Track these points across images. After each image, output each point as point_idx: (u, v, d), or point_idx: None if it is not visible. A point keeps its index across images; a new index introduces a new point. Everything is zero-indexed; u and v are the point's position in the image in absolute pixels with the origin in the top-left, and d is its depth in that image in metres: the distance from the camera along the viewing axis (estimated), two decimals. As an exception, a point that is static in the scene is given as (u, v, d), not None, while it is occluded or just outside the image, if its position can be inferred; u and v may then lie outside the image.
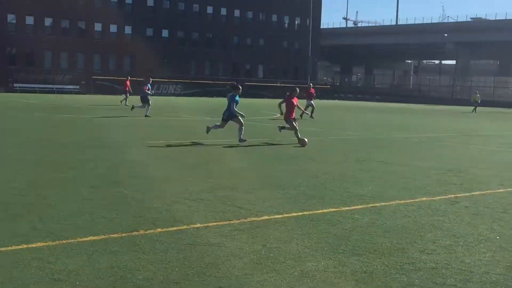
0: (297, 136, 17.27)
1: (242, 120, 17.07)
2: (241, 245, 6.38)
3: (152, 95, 29.65)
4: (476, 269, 5.83)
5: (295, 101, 18.11)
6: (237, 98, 17.22)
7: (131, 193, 9.07)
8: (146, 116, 27.56)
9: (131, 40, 77.56)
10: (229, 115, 17.17)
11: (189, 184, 10.00)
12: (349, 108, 54.16)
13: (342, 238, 6.85)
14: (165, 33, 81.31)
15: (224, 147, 16.45)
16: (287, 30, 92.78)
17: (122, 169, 11.62)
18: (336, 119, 33.84)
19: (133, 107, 29.14)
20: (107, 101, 45.92)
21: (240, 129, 17.02)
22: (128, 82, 41.52)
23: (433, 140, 20.59)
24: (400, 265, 5.87)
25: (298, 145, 16.95)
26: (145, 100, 28.47)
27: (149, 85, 28.98)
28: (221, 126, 17.52)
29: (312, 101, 31.54)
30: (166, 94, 70.12)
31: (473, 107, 53.44)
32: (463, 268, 5.85)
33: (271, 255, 6.07)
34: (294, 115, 18.00)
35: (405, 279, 5.46)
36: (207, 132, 17.48)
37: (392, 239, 6.87)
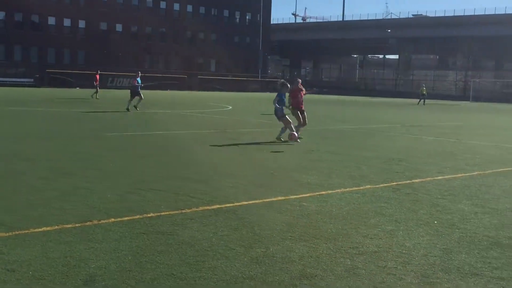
0: (289, 129, 16.57)
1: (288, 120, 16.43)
2: (193, 233, 6.58)
3: (142, 88, 29.36)
4: (416, 252, 6.18)
5: (302, 92, 17.75)
6: (283, 97, 16.64)
7: (84, 184, 9.15)
8: (134, 107, 27.99)
9: (85, 34, 76.86)
10: (278, 112, 16.60)
11: (142, 175, 10.14)
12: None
13: (290, 225, 7.12)
14: (119, 27, 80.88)
15: (177, 137, 16.55)
16: (239, 25, 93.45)
17: (76, 160, 11.64)
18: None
19: (136, 107, 28.55)
20: (61, 94, 45.16)
21: (284, 130, 16.47)
22: (97, 76, 41.40)
23: (377, 131, 21.18)
24: (344, 250, 6.17)
25: (249, 136, 17.18)
26: (135, 94, 28.44)
27: (138, 79, 28.81)
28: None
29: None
30: (121, 87, 69.38)
31: (419, 100, 54.81)
32: (404, 251, 6.19)
33: (222, 242, 6.29)
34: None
35: (349, 262, 5.75)
36: (278, 139, 16.35)
37: (337, 225, 7.19)
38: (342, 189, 9.52)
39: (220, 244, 6.20)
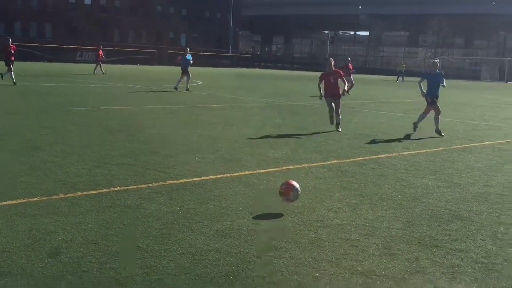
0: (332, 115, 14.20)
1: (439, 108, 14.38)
2: (159, 207, 6.62)
3: (191, 65, 26.98)
4: (379, 224, 6.32)
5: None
6: (438, 75, 14.29)
7: (51, 158, 9.09)
8: (187, 89, 25.91)
9: (53, 7, 75.27)
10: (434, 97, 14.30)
11: (110, 149, 10.10)
12: (269, 76, 54.73)
13: (257, 199, 7.20)
14: (87, 0, 79.34)
15: (146, 112, 16.47)
16: (210, 0, 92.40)
17: (43, 135, 11.53)
18: (255, 87, 34.22)
19: (187, 89, 26.23)
20: (28, 68, 44.30)
21: (437, 118, 14.35)
22: (100, 52, 40.34)
23: (347, 107, 21.32)
24: (309, 223, 6.27)
25: (233, 111, 17.15)
26: (185, 72, 26.42)
27: (186, 56, 26.75)
28: (425, 112, 14.57)
29: (351, 77, 28.94)
30: (89, 62, 68.42)
31: (397, 77, 55.15)
32: (367, 224, 6.32)
33: (188, 215, 6.34)
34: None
35: (313, 235, 5.85)
36: (415, 130, 14.39)
37: (303, 199, 7.28)
38: (309, 164, 9.62)
39: (186, 217, 6.25)
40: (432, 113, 14.42)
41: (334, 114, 14.08)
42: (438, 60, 15.06)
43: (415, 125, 14.43)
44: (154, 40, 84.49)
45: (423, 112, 14.47)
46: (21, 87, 24.29)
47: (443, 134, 14.06)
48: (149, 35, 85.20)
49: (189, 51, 27.50)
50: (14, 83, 24.72)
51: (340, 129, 13.99)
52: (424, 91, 14.32)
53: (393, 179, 8.68)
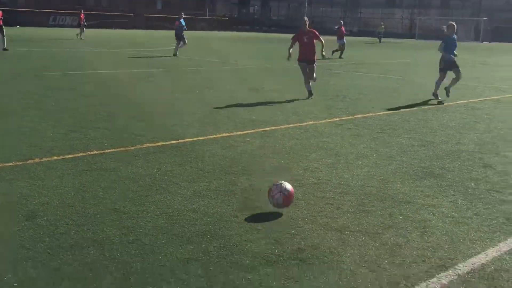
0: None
1: (460, 73, 13.51)
2: (136, 170, 6.64)
3: (186, 30, 26.48)
4: (354, 183, 6.42)
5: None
6: (454, 40, 13.58)
7: (26, 123, 9.02)
8: (174, 55, 25.45)
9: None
10: (447, 63, 13.51)
11: (86, 113, 10.05)
12: (246, 39, 54.33)
13: (234, 160, 7.25)
14: (60, -39, 77.32)
15: (122, 76, 16.33)
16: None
17: (18, 100, 11.41)
18: (233, 50, 34.00)
19: (175, 54, 25.88)
20: None
21: (454, 82, 13.63)
22: (82, 16, 39.33)
23: (325, 69, 21.34)
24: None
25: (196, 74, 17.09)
26: (179, 37, 25.93)
27: (181, 20, 26.21)
28: (441, 78, 13.60)
29: (344, 40, 28.46)
30: (63, 26, 67.14)
31: (378, 38, 55.04)
32: (342, 182, 6.42)
33: (165, 177, 6.37)
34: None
35: (289, 194, 5.92)
36: (436, 97, 13.49)
37: (279, 159, 7.35)
38: (286, 125, 9.68)
39: (164, 180, 6.29)
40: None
41: (307, 80, 13.18)
42: (455, 23, 13.84)
43: (435, 95, 13.46)
44: (128, 4, 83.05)
45: (439, 79, 13.56)
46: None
47: (442, 100, 13.19)
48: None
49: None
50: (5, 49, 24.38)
51: (311, 97, 12.99)
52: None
53: (368, 139, 8.78)
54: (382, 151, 8.00)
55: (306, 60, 13.21)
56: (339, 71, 21.24)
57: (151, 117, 9.99)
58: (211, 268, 4.10)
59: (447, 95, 13.52)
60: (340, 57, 27.76)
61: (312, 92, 13.19)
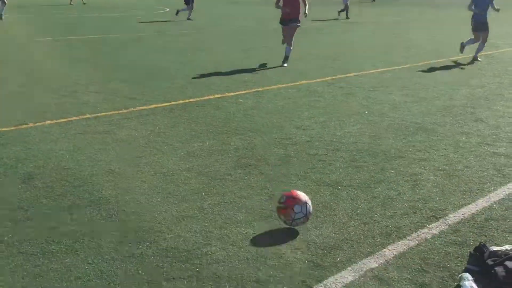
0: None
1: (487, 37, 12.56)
2: (130, 132, 6.67)
3: None
4: (346, 139, 6.47)
5: None
6: None
7: (18, 89, 9.01)
8: (188, 19, 24.52)
9: None
10: (477, 23, 12.49)
11: (78, 78, 10.03)
12: (238, 2, 53.77)
13: (226, 120, 7.29)
14: None
15: (114, 41, 16.22)
16: None
17: (9, 66, 11.35)
18: (224, 13, 33.70)
19: (177, 12, 25.23)
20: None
21: (481, 47, 12.75)
22: None
23: (315, 29, 21.22)
24: (278, 141, 6.40)
25: (187, 37, 16.98)
26: (188, 1, 25.01)
27: None
28: (476, 38, 12.77)
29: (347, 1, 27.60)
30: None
31: None
32: (334, 139, 6.47)
33: (159, 139, 6.42)
34: None
35: (282, 152, 5.99)
36: (462, 51, 13.10)
37: (272, 119, 7.39)
38: (278, 85, 9.69)
39: (157, 141, 6.33)
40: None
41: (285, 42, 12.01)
42: None
43: (463, 45, 12.96)
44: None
45: (473, 38, 12.82)
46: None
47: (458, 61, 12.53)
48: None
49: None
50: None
51: (286, 64, 11.79)
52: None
53: (361, 97, 8.81)
54: (374, 108, 8.05)
55: (289, 19, 11.78)
56: (331, 30, 21.12)
57: (144, 80, 9.98)
58: (206, 224, 4.18)
59: (461, 50, 13.12)
60: (347, 17, 27.37)
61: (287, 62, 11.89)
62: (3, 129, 6.66)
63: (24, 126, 6.82)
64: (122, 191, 4.82)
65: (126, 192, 4.79)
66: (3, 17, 23.62)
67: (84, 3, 37.19)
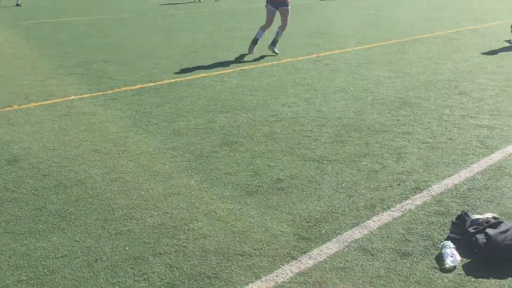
0: None
1: None
2: (116, 112, 6.66)
3: None
4: (331, 115, 6.51)
5: None
6: None
7: (2, 71, 8.94)
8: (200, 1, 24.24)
9: None
10: None
11: (62, 60, 9.97)
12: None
13: (212, 99, 7.29)
14: None
15: (98, 22, 16.09)
16: None
17: (-12, 50, 11.27)
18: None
19: None
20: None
21: None
22: None
23: (299, 6, 21.15)
24: (264, 118, 6.42)
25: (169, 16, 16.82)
26: None
27: None
28: None
29: None
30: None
31: None
32: (319, 115, 6.50)
33: (144, 119, 6.41)
34: None
35: (267, 129, 6.01)
36: None
37: (258, 96, 7.41)
38: (264, 64, 9.69)
39: (143, 121, 6.33)
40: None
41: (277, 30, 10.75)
42: None
43: None
44: None
45: None
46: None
47: None
48: None
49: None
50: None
51: (276, 51, 10.76)
52: None
53: (346, 73, 8.84)
54: (359, 84, 8.08)
55: (282, 1, 10.61)
56: (315, 8, 21.06)
57: (127, 60, 9.95)
58: (192, 201, 4.21)
59: None
60: None
61: (276, 50, 10.75)
62: (-13, 112, 6.63)
63: (8, 108, 6.79)
64: (108, 170, 4.83)
65: (112, 171, 4.80)
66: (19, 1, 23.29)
67: None
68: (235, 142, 5.56)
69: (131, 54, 10.65)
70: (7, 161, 5.02)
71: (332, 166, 4.87)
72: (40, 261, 3.39)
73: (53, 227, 3.81)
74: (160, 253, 3.45)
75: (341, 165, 4.89)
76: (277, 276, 3.22)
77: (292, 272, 3.25)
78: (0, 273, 3.25)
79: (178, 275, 3.23)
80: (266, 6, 10.69)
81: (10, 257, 3.43)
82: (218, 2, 24.66)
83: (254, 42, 10.66)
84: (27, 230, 3.76)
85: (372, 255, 3.40)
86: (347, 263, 3.33)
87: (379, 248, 3.48)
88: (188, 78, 8.55)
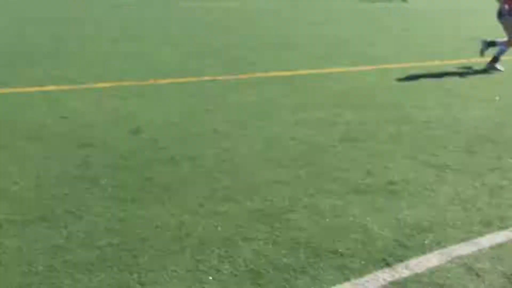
0: None
1: None
2: (243, 97, 6.69)
3: None
4: (467, 124, 6.03)
5: None
6: None
7: (146, 48, 9.38)
8: None
9: None
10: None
11: (206, 42, 10.26)
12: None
13: (343, 94, 7.09)
14: None
15: (245, 10, 16.40)
16: None
17: (144, 27, 11.85)
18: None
19: None
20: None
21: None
22: None
23: (459, 11, 20.09)
24: (393, 118, 6.10)
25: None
26: None
27: None
28: None
29: None
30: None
31: None
32: (454, 122, 6.05)
33: (270, 105, 6.37)
34: None
35: (394, 129, 5.69)
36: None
37: (392, 96, 7.08)
38: (409, 63, 9.27)
39: (268, 107, 6.29)
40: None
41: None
42: None
43: None
44: None
45: None
46: None
47: None
48: None
49: None
50: None
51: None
52: None
53: (496, 83, 8.22)
54: (507, 94, 7.45)
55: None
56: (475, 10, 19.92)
57: (268, 48, 10.00)
58: (297, 191, 4.06)
59: None
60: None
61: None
62: (125, 83, 6.94)
63: (144, 82, 7.06)
64: (222, 150, 4.83)
65: (225, 152, 4.79)
66: None
67: None
68: (356, 139, 5.33)
69: (272, 42, 10.73)
70: (129, 131, 5.20)
71: (453, 176, 4.48)
72: (134, 228, 3.43)
73: (154, 199, 3.85)
74: (250, 238, 3.36)
75: (464, 176, 4.49)
76: (367, 281, 3.00)
77: (384, 280, 3.00)
78: (95, 235, 3.33)
79: (264, 263, 3.11)
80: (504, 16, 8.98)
81: (108, 220, 3.52)
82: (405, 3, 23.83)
83: (495, 59, 9.16)
84: (130, 198, 3.84)
85: (478, 275, 3.06)
86: (447, 279, 3.02)
87: (487, 269, 3.12)
88: (324, 71, 8.42)
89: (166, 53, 9.02)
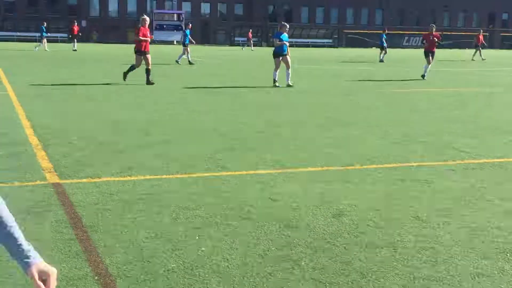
0: None
1: None
2: (450, 183, 6.56)
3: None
4: None
5: None
6: None
7: (353, 133, 9.64)
8: None
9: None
10: None
11: (413, 127, 10.25)
12: None
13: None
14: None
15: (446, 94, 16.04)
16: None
17: (352, 113, 12.21)
18: None
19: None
20: (353, 53, 46.74)
21: None
22: (481, 36, 39.04)
23: None
24: None
25: None
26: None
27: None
28: None
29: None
30: (415, 47, 68.56)
31: None
32: None
33: (478, 193, 6.16)
34: None
35: None
36: None
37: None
38: None
39: (476, 195, 6.08)
40: None
41: None
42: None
43: None
44: (486, 21, 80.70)
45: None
46: (340, 70, 25.71)
47: None
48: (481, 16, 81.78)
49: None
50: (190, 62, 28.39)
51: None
52: None
53: None
54: None
55: None
56: None
57: (475, 134, 9.71)
58: (502, 287, 3.88)
59: None
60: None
61: None
62: (332, 168, 7.21)
63: (350, 167, 7.28)
64: (423, 238, 4.79)
65: (426, 240, 4.75)
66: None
67: (484, 59, 37.31)
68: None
69: (478, 128, 10.38)
70: (332, 214, 5.39)
71: None
72: (330, 310, 3.55)
73: (352, 283, 3.95)
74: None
75: None
76: None
77: None
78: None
79: None
80: None
81: (306, 301, 3.68)
82: None
83: None
84: (328, 281, 3.97)
85: None
86: None
87: None
88: (538, 158, 7.90)
89: (373, 139, 9.20)
